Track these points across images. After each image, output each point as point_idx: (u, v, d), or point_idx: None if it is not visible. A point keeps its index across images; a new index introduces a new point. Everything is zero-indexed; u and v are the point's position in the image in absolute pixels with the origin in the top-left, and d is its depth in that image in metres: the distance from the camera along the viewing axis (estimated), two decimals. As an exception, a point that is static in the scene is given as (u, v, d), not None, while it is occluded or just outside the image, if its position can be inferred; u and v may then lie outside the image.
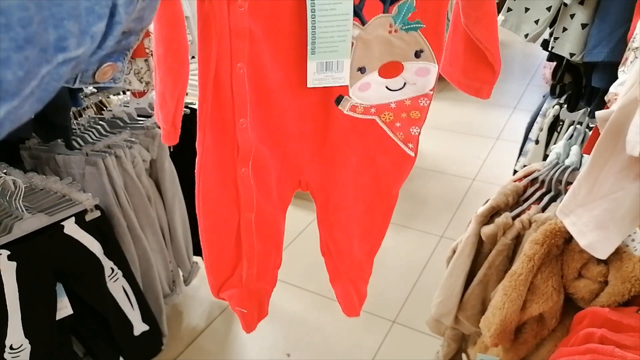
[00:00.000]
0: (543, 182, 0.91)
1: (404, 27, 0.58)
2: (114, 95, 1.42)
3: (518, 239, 0.87)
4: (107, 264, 1.13)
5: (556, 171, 0.91)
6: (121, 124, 1.33)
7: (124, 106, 1.37)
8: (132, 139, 1.25)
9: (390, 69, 0.62)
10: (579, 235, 0.70)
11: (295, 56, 0.59)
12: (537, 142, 1.32)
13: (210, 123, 0.60)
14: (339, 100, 0.63)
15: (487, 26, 0.60)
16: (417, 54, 0.61)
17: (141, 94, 1.35)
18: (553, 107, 1.29)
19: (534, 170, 0.94)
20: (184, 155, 1.25)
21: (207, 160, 0.62)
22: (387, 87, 0.64)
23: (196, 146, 0.61)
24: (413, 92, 0.64)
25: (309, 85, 0.60)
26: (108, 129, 1.29)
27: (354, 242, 0.77)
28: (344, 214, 0.73)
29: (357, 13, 0.56)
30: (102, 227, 1.11)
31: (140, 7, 0.37)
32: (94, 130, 1.26)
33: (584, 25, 1.06)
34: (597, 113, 0.66)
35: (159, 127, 0.65)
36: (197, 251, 1.45)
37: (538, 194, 0.91)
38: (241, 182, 0.65)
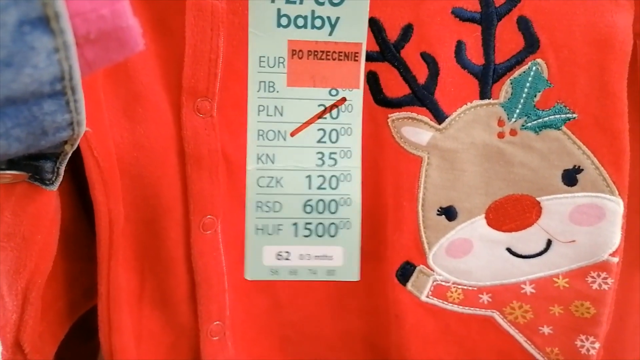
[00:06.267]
0: None
1: (529, 123, 0.28)
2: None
3: None
4: None
5: None
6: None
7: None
8: None
9: (513, 212, 0.30)
10: None
11: None
12: None
13: (136, 334, 0.32)
14: (405, 272, 0.31)
15: None
16: (570, 178, 0.29)
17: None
18: None
19: None
20: None
21: None
22: (509, 250, 0.31)
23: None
24: (571, 259, 0.30)
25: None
26: None
27: None
28: None
29: (424, 97, 0.28)
30: None
31: None
32: None
33: None
34: None
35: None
36: None
37: None
38: None
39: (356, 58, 0.28)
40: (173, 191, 0.29)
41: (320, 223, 0.31)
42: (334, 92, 0.29)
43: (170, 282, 0.31)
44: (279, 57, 0.28)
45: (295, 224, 0.31)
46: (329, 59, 0.28)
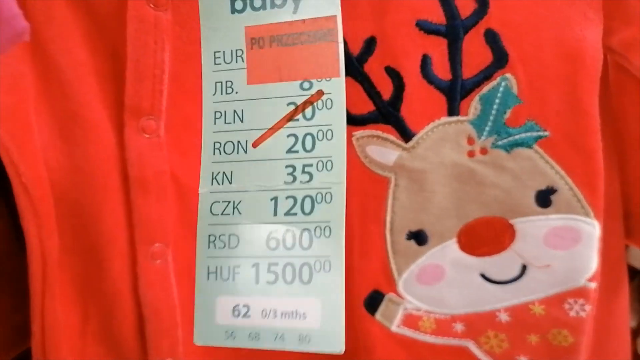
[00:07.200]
0: None
1: (500, 142, 0.27)
2: None
3: None
4: None
5: None
6: None
7: None
8: None
9: (486, 236, 0.28)
10: None
11: None
12: None
13: None
14: (373, 301, 0.29)
15: None
16: (543, 199, 0.27)
17: None
18: None
19: None
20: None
21: None
22: (483, 276, 0.29)
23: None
24: (547, 285, 0.28)
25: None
26: None
27: None
28: None
29: (389, 114, 0.27)
30: None
31: None
32: None
33: None
34: None
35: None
36: None
37: None
38: None
39: (331, 37, 0.23)
40: (116, 218, 0.26)
41: (289, 263, 0.23)
42: (306, 84, 0.23)
43: (116, 317, 0.29)
44: (237, 50, 0.23)
45: (255, 265, 0.23)
46: (296, 44, 0.23)
